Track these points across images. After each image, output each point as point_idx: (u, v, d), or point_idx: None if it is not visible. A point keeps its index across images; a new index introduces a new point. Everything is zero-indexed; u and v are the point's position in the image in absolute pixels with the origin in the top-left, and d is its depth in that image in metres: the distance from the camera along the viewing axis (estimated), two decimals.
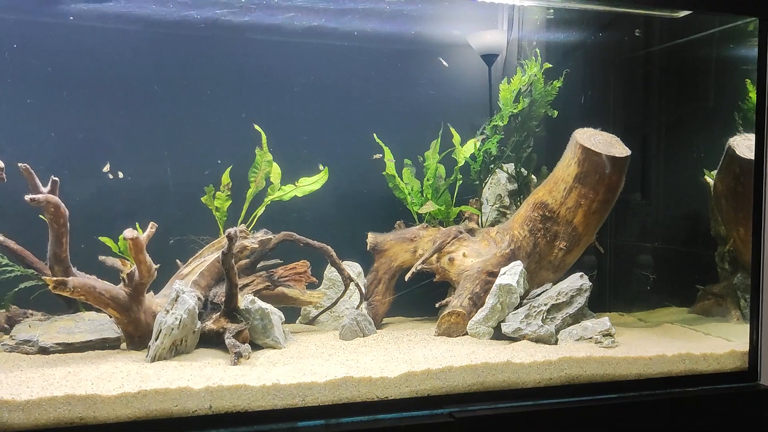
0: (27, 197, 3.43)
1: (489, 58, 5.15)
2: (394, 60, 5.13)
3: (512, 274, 4.23)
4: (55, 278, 3.45)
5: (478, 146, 4.75)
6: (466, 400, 3.42)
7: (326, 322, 4.66)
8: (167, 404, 2.94)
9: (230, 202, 4.37)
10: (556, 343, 4.04)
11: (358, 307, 4.53)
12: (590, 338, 4.02)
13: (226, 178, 4.38)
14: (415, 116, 5.11)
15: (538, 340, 4.03)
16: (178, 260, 4.29)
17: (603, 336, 4.00)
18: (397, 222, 4.90)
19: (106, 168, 4.21)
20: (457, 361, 3.46)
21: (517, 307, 4.20)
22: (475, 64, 5.22)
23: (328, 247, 4.47)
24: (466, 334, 4.23)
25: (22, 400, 2.78)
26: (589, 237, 4.58)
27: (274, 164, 4.50)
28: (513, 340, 4.08)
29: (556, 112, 4.76)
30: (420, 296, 4.85)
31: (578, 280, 4.29)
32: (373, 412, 3.26)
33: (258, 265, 4.46)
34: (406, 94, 5.14)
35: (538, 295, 4.31)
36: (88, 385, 2.96)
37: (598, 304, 4.91)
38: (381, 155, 4.66)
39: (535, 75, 4.71)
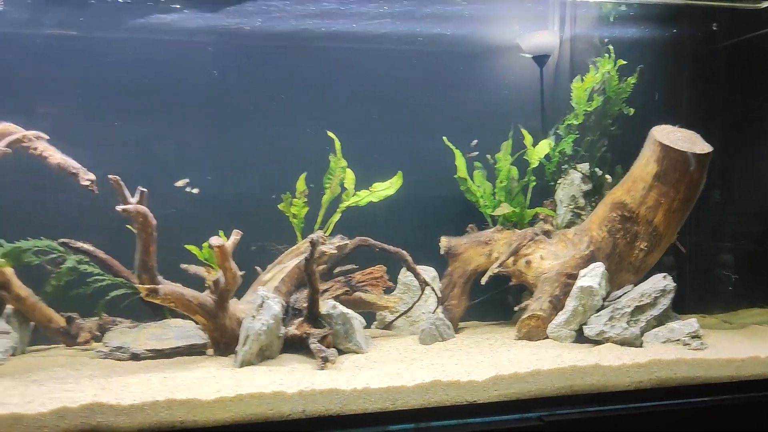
0: (118, 208, 3.57)
1: (540, 59, 5.15)
2: (454, 63, 5.19)
3: (593, 276, 4.21)
4: (147, 286, 3.59)
5: (552, 146, 4.74)
6: (554, 403, 3.42)
7: (402, 327, 4.71)
8: (263, 408, 3.03)
9: (307, 208, 4.47)
10: (641, 345, 4.00)
11: (435, 311, 4.57)
12: (677, 340, 3.97)
13: (301, 185, 4.48)
14: (477, 119, 5.14)
15: (623, 342, 3.99)
16: (257, 267, 4.40)
17: (691, 338, 3.94)
18: (469, 225, 4.91)
19: (183, 182, 4.35)
20: (544, 365, 3.46)
21: (598, 310, 4.18)
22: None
23: (404, 252, 4.52)
24: (547, 337, 4.22)
25: (126, 405, 2.89)
26: (670, 237, 4.52)
27: (348, 170, 4.58)
28: (596, 343, 4.05)
29: (632, 110, 4.72)
30: (493, 300, 4.89)
31: (661, 281, 4.24)
32: (461, 415, 3.29)
33: (335, 271, 4.55)
34: (468, 96, 5.19)
35: (620, 297, 4.26)
36: (186, 389, 3.06)
37: (677, 305, 4.83)
38: (476, 145, 4.67)
39: (609, 72, 4.68)
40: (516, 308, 4.47)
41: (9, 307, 4.02)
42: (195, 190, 4.35)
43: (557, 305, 4.30)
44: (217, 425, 2.98)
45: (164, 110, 4.51)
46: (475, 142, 4.78)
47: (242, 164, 4.70)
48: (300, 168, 4.52)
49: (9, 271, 3.91)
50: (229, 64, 4.66)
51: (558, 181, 4.95)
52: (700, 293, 5.22)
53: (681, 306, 5.07)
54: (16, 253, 3.89)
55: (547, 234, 4.69)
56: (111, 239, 4.25)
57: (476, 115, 5.12)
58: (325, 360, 3.56)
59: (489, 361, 3.61)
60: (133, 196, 3.73)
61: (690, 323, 3.99)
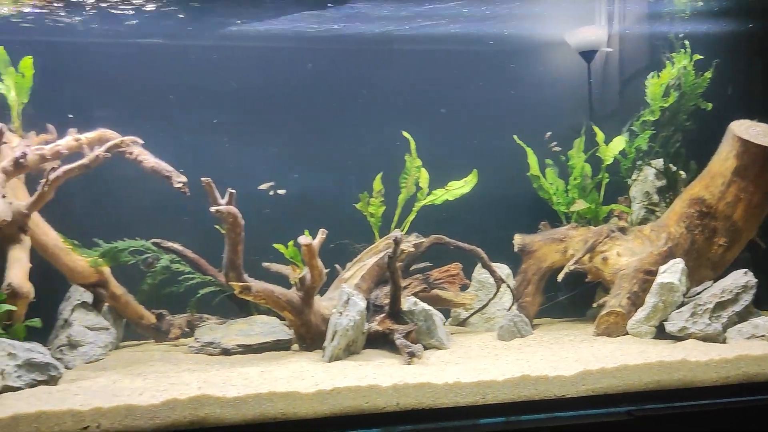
0: (212, 209, 3.72)
1: (587, 54, 5.16)
2: (519, 61, 5.25)
3: (673, 272, 4.21)
4: (241, 284, 3.74)
5: (627, 142, 4.75)
6: (642, 398, 3.44)
7: (477, 324, 4.78)
8: (359, 401, 3.13)
9: (384, 207, 4.58)
10: (724, 341, 3.99)
11: (510, 308, 4.63)
12: (762, 336, 3.95)
13: (378, 185, 4.59)
14: (544, 116, 5.19)
15: (705, 339, 3.99)
16: (337, 265, 4.52)
17: None
18: (542, 223, 4.96)
19: (267, 186, 4.49)
20: (631, 360, 3.49)
21: (679, 306, 4.18)
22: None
23: (479, 250, 4.59)
24: (626, 333, 4.24)
25: (231, 397, 3.03)
26: (750, 232, 4.50)
27: (423, 169, 4.67)
28: (678, 339, 4.06)
29: (710, 105, 4.70)
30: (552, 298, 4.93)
31: (743, 277, 4.22)
32: (550, 410, 3.35)
33: (411, 268, 4.64)
34: (534, 94, 5.24)
35: (699, 293, 4.25)
36: (285, 383, 3.19)
37: (757, 301, 4.81)
38: (549, 137, 4.73)
39: (685, 68, 4.67)
40: (594, 305, 4.51)
41: (104, 305, 4.24)
42: (282, 191, 4.48)
43: (636, 302, 4.32)
44: (316, 417, 3.10)
45: (248, 115, 4.68)
46: (548, 134, 4.83)
47: (319, 165, 4.84)
48: (376, 168, 4.64)
49: (107, 270, 4.12)
50: (306, 69, 4.80)
51: (632, 177, 4.95)
52: None
53: (760, 302, 5.05)
54: (113, 253, 4.09)
55: (623, 231, 4.71)
56: (192, 239, 4.44)
57: (543, 112, 5.19)
58: (412, 355, 3.66)
59: (573, 357, 3.67)
60: (222, 197, 3.89)
61: None
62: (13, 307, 3.42)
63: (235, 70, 4.69)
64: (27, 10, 4.18)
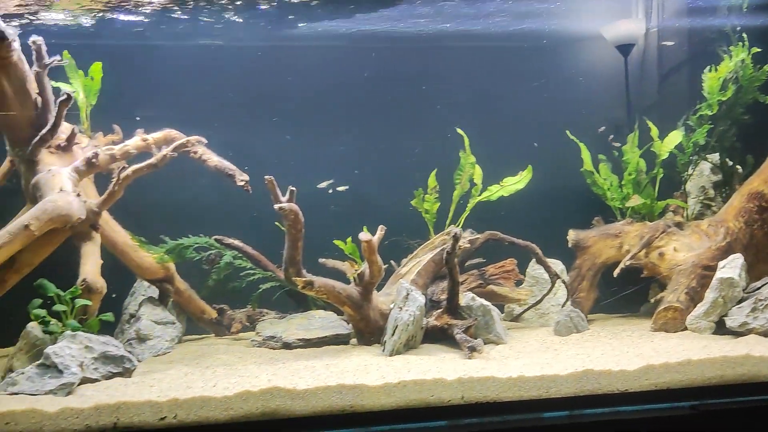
0: (276, 206, 3.81)
1: (625, 48, 5.14)
2: (569, 57, 5.26)
3: (733, 267, 4.19)
4: (304, 279, 3.83)
5: (683, 137, 4.73)
6: (705, 393, 3.44)
7: (531, 319, 4.81)
8: (424, 394, 3.20)
9: (439, 204, 4.63)
10: None
11: (564, 304, 4.65)
12: None
13: (432, 181, 4.64)
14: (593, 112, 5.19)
15: (767, 333, 3.97)
16: (392, 261, 4.60)
17: None
18: (596, 218, 4.97)
19: (325, 184, 4.58)
20: (694, 355, 3.49)
21: (739, 301, 4.16)
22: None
23: (534, 245, 4.62)
24: (685, 329, 4.24)
25: (301, 389, 3.11)
26: None
27: (477, 166, 4.71)
28: (738, 334, 4.04)
29: None
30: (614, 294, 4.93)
31: None
32: (613, 404, 3.37)
33: (466, 264, 4.69)
34: (580, 89, 5.26)
35: (759, 288, 4.22)
36: (351, 376, 3.27)
37: None
38: (603, 131, 4.75)
39: (743, 61, 4.63)
40: (652, 300, 4.50)
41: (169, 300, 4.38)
42: (342, 188, 4.58)
43: (694, 297, 4.30)
44: (383, 410, 3.17)
45: (306, 114, 4.79)
46: (602, 128, 4.84)
47: (375, 162, 4.91)
48: (431, 165, 4.69)
49: (172, 266, 4.25)
50: (362, 68, 4.89)
51: (688, 172, 4.93)
52: None
53: None
54: (179, 249, 4.22)
55: (679, 226, 4.69)
56: (249, 236, 4.55)
57: (593, 107, 5.20)
58: (473, 350, 3.71)
59: (634, 352, 3.68)
60: (284, 195, 3.98)
61: None
62: (89, 302, 3.56)
63: (293, 70, 4.79)
64: (91, 15, 4.30)
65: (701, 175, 4.99)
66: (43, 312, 3.46)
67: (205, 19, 4.40)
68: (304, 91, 4.82)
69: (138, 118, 4.22)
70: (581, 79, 5.25)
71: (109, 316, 3.70)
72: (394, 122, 4.98)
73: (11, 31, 3.57)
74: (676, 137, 4.75)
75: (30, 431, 2.86)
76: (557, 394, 3.32)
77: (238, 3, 4.20)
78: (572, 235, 4.83)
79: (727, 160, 4.90)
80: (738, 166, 4.92)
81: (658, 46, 5.39)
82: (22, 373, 3.16)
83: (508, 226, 4.73)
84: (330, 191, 4.61)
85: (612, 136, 4.86)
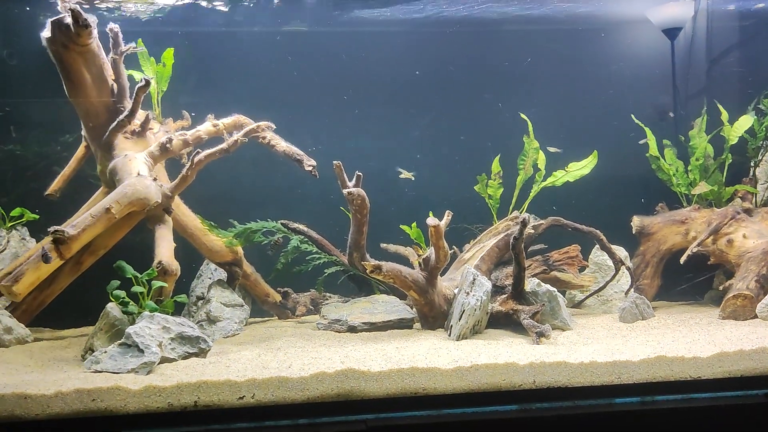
0: (345, 191, 3.86)
1: (672, 32, 5.03)
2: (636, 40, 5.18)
3: None
4: (373, 263, 3.88)
5: (757, 122, 4.64)
6: None
7: (594, 306, 4.79)
8: (496, 378, 3.22)
9: (502, 189, 4.63)
10: None
11: (628, 291, 4.61)
12: None
13: (496, 167, 4.64)
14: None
15: None
16: (455, 247, 4.61)
17: None
18: (660, 204, 4.91)
19: (407, 175, 4.64)
20: None
21: None
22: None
23: (598, 231, 4.58)
24: (755, 317, 4.17)
25: (375, 372, 3.16)
26: None
27: (540, 151, 4.69)
28: None
29: None
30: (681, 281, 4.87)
31: None
32: (686, 390, 3.34)
33: (529, 250, 4.68)
34: (645, 73, 5.18)
35: None
36: (423, 359, 3.31)
37: None
38: (645, 140, 4.70)
39: None
40: (720, 287, 4.44)
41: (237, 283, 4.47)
42: (409, 175, 4.61)
43: (765, 285, 4.23)
44: (455, 393, 3.20)
45: (371, 100, 4.83)
46: (643, 141, 4.80)
47: (439, 149, 4.94)
48: (493, 151, 4.69)
49: (240, 250, 4.34)
50: (428, 53, 4.90)
51: (759, 157, 4.83)
52: None
53: None
54: (247, 233, 4.31)
55: (748, 212, 4.61)
56: (312, 220, 4.63)
57: (658, 91, 5.13)
58: (541, 335, 3.72)
59: (706, 339, 3.64)
60: (351, 180, 4.02)
61: None
62: (165, 284, 3.66)
63: (359, 55, 4.83)
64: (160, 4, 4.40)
65: None
66: (122, 293, 3.57)
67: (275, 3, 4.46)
68: (372, 78, 4.85)
69: (211, 115, 4.28)
70: (648, 64, 5.15)
71: (183, 298, 3.81)
72: (460, 108, 4.98)
73: (92, 18, 3.67)
74: (746, 122, 4.64)
75: (114, 408, 2.96)
76: (629, 380, 3.32)
77: None
78: (636, 221, 4.78)
79: None
80: None
81: (710, 29, 5.26)
82: (105, 352, 3.27)
83: (570, 212, 4.69)
84: (402, 176, 4.64)
85: (644, 140, 4.79)
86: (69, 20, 3.58)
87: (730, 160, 4.76)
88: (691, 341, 3.63)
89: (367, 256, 4.19)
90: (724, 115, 4.73)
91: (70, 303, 4.11)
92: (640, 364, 3.32)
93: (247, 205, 4.59)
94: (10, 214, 4.23)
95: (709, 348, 3.46)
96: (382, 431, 3.07)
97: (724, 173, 4.78)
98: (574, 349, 3.54)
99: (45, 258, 3.34)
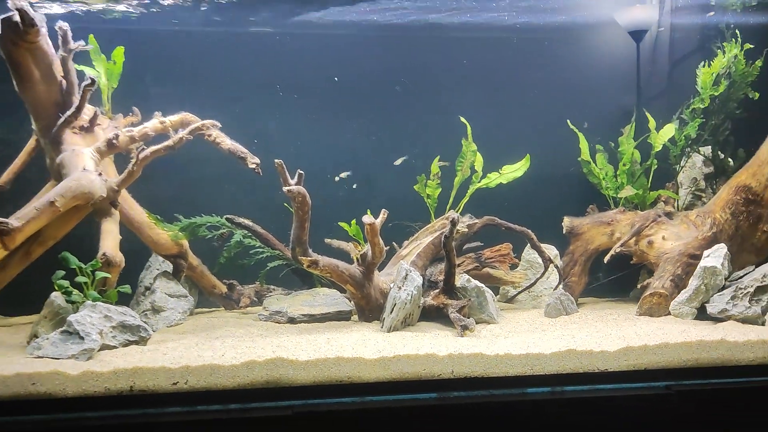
0: (285, 189, 4.02)
1: (637, 34, 5.22)
2: (562, 47, 5.38)
3: (717, 257, 4.37)
4: (310, 258, 4.05)
5: (677, 130, 4.89)
6: (680, 375, 3.64)
7: (525, 301, 5.02)
8: (417, 368, 3.41)
9: (440, 189, 4.82)
10: (763, 324, 4.13)
11: (556, 287, 4.85)
12: None
13: (435, 168, 4.83)
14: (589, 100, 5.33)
15: (744, 320, 4.15)
16: (394, 243, 4.80)
17: None
18: (590, 206, 5.14)
19: (344, 175, 4.82)
20: (672, 338, 3.69)
21: (721, 289, 4.34)
22: None
23: (529, 231, 4.80)
24: (669, 314, 4.43)
25: (303, 360, 3.34)
26: None
27: (478, 154, 4.89)
28: (718, 320, 4.22)
29: (757, 94, 4.80)
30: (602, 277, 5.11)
31: None
32: (593, 382, 3.57)
33: (464, 248, 4.89)
34: (582, 77, 5.39)
35: (741, 277, 4.39)
36: (350, 349, 3.49)
37: None
38: (405, 158, 4.93)
39: (736, 56, 4.77)
40: (639, 286, 4.69)
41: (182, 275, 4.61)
42: (344, 175, 4.78)
43: (679, 284, 4.49)
44: (378, 381, 3.39)
45: (317, 102, 4.98)
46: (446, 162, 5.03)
47: (379, 149, 5.10)
48: (433, 152, 4.88)
49: (185, 243, 4.48)
50: (368, 59, 5.05)
51: (680, 164, 5.09)
52: None
53: None
54: (192, 227, 4.45)
55: (669, 216, 4.86)
56: (261, 215, 4.77)
57: (593, 95, 5.35)
58: (465, 328, 3.92)
59: (617, 334, 3.88)
60: (293, 178, 4.18)
61: None
62: (108, 275, 3.79)
63: (302, 58, 4.95)
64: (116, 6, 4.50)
65: (693, 166, 5.15)
66: (66, 283, 3.69)
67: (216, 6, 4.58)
68: (314, 80, 4.99)
69: (158, 112, 4.39)
70: (586, 68, 5.36)
71: (126, 288, 3.93)
72: (400, 111, 5.15)
73: (39, 17, 3.76)
74: (670, 130, 4.90)
75: (53, 392, 3.10)
76: (541, 372, 3.53)
77: None
78: (567, 221, 5.01)
79: (719, 153, 5.05)
80: (730, 159, 5.07)
81: (661, 38, 5.49)
82: (47, 339, 3.40)
83: (506, 212, 4.91)
84: (336, 178, 4.81)
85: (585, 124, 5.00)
86: (17, 18, 3.68)
87: (656, 166, 5.02)
88: (603, 336, 3.86)
89: (309, 251, 4.35)
90: (651, 123, 4.98)
91: (20, 291, 4.20)
92: (551, 357, 3.55)
93: (196, 200, 4.71)
94: None
95: (618, 342, 3.69)
96: (308, 416, 3.26)
97: (650, 178, 5.03)
98: (494, 342, 3.75)
99: None
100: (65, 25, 4.00)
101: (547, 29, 5.30)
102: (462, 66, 5.19)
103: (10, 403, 3.06)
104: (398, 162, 4.80)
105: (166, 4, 4.45)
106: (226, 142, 4.32)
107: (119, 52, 4.32)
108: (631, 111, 5.11)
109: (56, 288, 3.68)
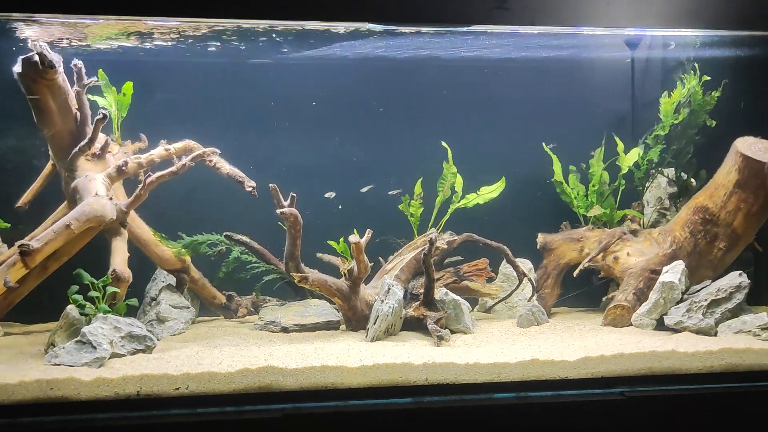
0: (279, 211, 4.37)
1: (633, 42, 5.40)
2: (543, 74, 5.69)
3: (674, 272, 4.70)
4: (300, 274, 4.40)
5: (641, 155, 5.23)
6: (635, 382, 3.94)
7: (501, 311, 5.34)
8: (395, 375, 3.74)
9: (422, 208, 5.16)
10: (715, 335, 4.46)
11: (530, 299, 5.18)
12: (749, 331, 4.40)
13: (418, 189, 5.16)
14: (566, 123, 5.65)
15: (698, 332, 4.47)
16: (380, 258, 5.14)
17: (761, 329, 4.37)
18: (563, 223, 5.47)
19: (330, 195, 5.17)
20: (627, 349, 4.01)
21: (678, 302, 4.66)
22: None
23: (504, 247, 5.13)
24: (631, 325, 4.75)
25: (291, 368, 3.67)
26: (748, 238, 4.94)
27: (458, 175, 5.23)
28: (675, 331, 4.55)
29: (714, 122, 5.13)
30: (578, 289, 5.43)
31: (737, 278, 4.67)
32: (555, 388, 3.90)
33: (444, 262, 5.22)
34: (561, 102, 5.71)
35: (698, 291, 4.72)
36: (335, 358, 3.83)
37: (758, 298, 5.26)
38: (399, 191, 5.26)
39: (694, 87, 5.10)
40: (604, 299, 5.02)
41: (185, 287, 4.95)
42: (330, 195, 5.14)
43: (641, 297, 4.81)
44: (359, 387, 3.72)
45: (309, 128, 5.33)
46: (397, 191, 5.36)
47: (364, 170, 5.45)
48: (416, 174, 5.22)
49: (188, 258, 4.83)
50: (360, 87, 5.41)
51: (646, 185, 5.42)
52: None
53: (757, 299, 5.47)
54: (194, 245, 4.81)
55: (634, 233, 5.19)
56: (258, 233, 5.12)
57: (567, 119, 5.68)
58: (441, 338, 4.26)
59: (579, 344, 4.20)
60: (286, 200, 4.52)
61: (761, 316, 4.42)
62: (117, 289, 4.13)
63: (297, 86, 5.31)
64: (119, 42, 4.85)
65: (659, 187, 5.47)
66: (80, 297, 4.04)
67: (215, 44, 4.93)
68: (312, 109, 5.34)
69: (164, 141, 4.75)
70: (560, 97, 5.68)
71: (134, 301, 4.28)
72: (388, 135, 5.49)
73: (56, 57, 4.12)
74: (634, 155, 5.23)
75: (69, 396, 3.45)
76: (507, 379, 3.86)
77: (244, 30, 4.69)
78: (540, 238, 5.34)
79: (682, 174, 5.38)
80: (692, 180, 5.40)
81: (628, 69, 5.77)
82: (63, 348, 3.75)
83: (484, 229, 5.22)
84: (326, 195, 5.16)
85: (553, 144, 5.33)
86: (37, 59, 4.04)
87: (623, 186, 5.34)
88: (567, 345, 4.19)
89: (302, 266, 4.69)
90: (620, 147, 5.31)
91: (36, 300, 4.55)
92: (516, 365, 3.88)
93: (197, 220, 5.05)
94: None
95: (578, 352, 4.01)
96: (296, 418, 3.60)
97: (618, 198, 5.36)
98: (467, 351, 4.08)
99: (5, 283, 3.83)
100: (80, 63, 4.35)
101: (523, 61, 5.59)
102: (443, 95, 5.51)
103: (32, 405, 3.41)
104: (328, 195, 5.16)
105: (169, 45, 4.78)
106: (225, 167, 4.67)
107: (128, 86, 4.67)
108: (601, 135, 5.42)
109: (71, 301, 4.03)
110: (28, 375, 3.48)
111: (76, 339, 3.77)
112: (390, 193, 5.25)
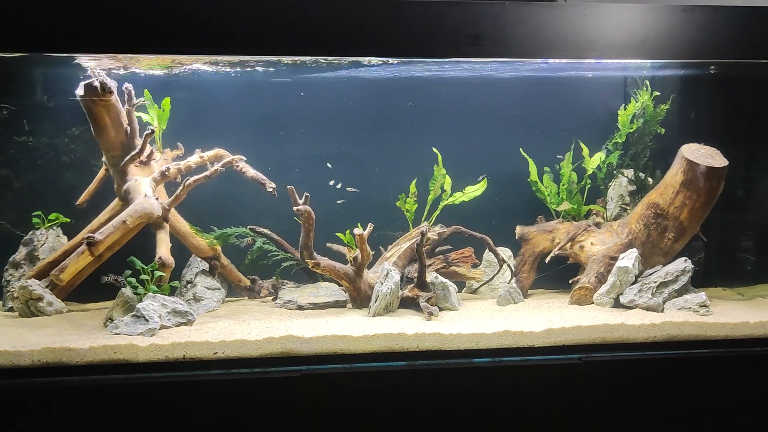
0: (294, 208, 4.93)
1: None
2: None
3: (629, 259, 5.23)
4: (313, 260, 4.96)
5: (602, 159, 5.78)
6: (590, 350, 4.42)
7: (485, 293, 5.86)
8: (391, 343, 4.30)
9: (416, 205, 5.71)
10: (662, 311, 4.97)
11: (510, 282, 5.73)
12: (689, 308, 4.93)
13: (413, 188, 5.72)
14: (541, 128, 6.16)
15: (648, 309, 4.99)
16: (381, 247, 5.69)
17: (699, 306, 4.90)
18: (539, 216, 5.99)
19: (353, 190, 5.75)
20: (585, 322, 4.54)
21: (632, 284, 5.21)
22: None
23: (487, 237, 5.66)
24: (593, 303, 5.28)
25: (308, 337, 4.22)
26: (693, 229, 5.44)
27: (447, 176, 5.77)
28: (628, 308, 5.03)
29: (663, 130, 5.69)
30: (555, 274, 5.96)
31: (682, 263, 5.19)
32: (523, 354, 4.42)
33: (436, 251, 5.78)
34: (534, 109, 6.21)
35: (650, 274, 5.23)
36: (342, 329, 4.38)
37: (705, 280, 5.83)
38: (356, 191, 5.78)
39: (646, 102, 5.66)
40: (570, 281, 5.58)
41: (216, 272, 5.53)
42: (352, 189, 5.72)
43: (601, 280, 5.32)
44: (362, 353, 4.27)
45: (319, 137, 5.88)
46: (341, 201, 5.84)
47: (370, 173, 6.00)
48: (412, 175, 5.77)
49: (219, 248, 5.41)
50: (364, 101, 5.93)
51: (609, 183, 5.97)
52: (723, 271, 6.13)
53: (708, 281, 6.03)
54: (224, 236, 5.37)
55: (598, 225, 5.72)
56: (278, 226, 5.68)
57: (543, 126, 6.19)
58: (431, 314, 4.81)
59: (545, 318, 4.71)
60: (301, 199, 5.09)
61: (700, 296, 4.94)
62: (163, 273, 4.71)
63: (312, 102, 5.77)
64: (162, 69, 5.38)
65: (621, 185, 5.98)
66: (133, 280, 4.62)
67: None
68: (325, 121, 5.85)
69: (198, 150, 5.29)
70: (536, 108, 6.17)
71: (176, 284, 4.85)
72: (387, 143, 6.04)
73: (112, 82, 4.70)
74: (597, 159, 5.77)
75: (129, 358, 4.00)
76: (484, 346, 4.36)
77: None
78: (518, 229, 5.86)
79: (641, 174, 5.92)
80: (649, 179, 5.94)
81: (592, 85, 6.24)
82: (122, 321, 4.32)
83: (470, 222, 5.73)
84: (349, 189, 5.73)
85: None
86: (96, 84, 4.61)
87: (589, 185, 5.87)
88: (535, 319, 4.68)
89: (314, 254, 5.23)
90: (585, 151, 5.83)
91: (93, 284, 5.11)
92: (492, 335, 4.40)
93: (226, 215, 5.59)
94: (48, 218, 5.27)
95: (543, 325, 4.50)
96: (311, 378, 4.12)
97: (585, 195, 5.88)
98: (452, 324, 4.60)
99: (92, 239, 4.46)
100: (130, 86, 4.93)
101: (504, 80, 6.05)
102: (433, 107, 6.04)
103: (100, 366, 3.98)
104: (350, 189, 5.74)
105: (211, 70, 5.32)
106: (250, 171, 5.24)
107: (166, 102, 5.21)
108: (571, 141, 5.95)
109: (127, 283, 4.62)
110: (96, 342, 4.06)
111: (132, 314, 4.34)
112: (348, 189, 5.77)
